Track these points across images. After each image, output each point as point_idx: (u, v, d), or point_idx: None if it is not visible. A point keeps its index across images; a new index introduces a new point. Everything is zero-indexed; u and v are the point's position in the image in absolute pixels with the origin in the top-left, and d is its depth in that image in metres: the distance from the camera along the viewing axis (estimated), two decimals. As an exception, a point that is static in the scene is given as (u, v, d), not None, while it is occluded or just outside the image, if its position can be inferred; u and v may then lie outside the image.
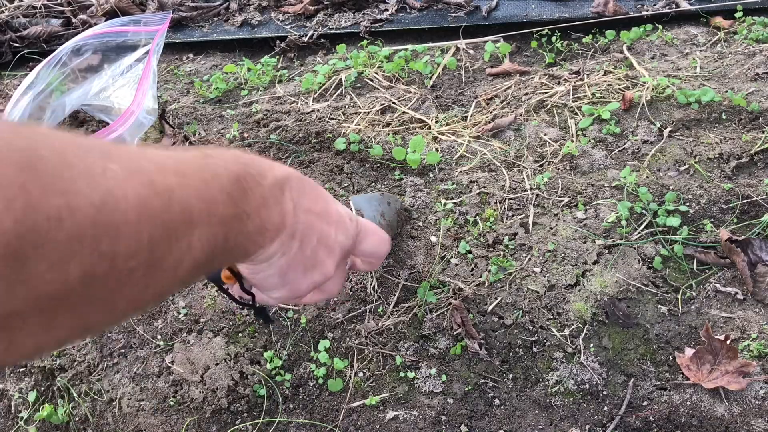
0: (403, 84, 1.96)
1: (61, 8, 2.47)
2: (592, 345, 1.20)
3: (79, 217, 0.32)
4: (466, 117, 1.81)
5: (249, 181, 0.49)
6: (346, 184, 1.59)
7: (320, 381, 1.19)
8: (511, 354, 1.20)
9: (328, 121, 1.80)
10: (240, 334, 1.28)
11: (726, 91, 1.75)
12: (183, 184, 0.41)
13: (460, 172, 1.60)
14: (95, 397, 1.22)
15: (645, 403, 1.13)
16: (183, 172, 0.42)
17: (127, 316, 0.40)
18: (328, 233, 0.61)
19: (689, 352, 1.17)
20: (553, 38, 2.11)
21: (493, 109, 1.82)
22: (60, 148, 0.34)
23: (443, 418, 1.12)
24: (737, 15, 2.14)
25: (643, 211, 1.42)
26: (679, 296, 1.28)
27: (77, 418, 1.19)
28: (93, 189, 0.34)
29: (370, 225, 0.71)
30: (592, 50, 2.10)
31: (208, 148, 0.49)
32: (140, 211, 0.36)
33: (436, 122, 1.78)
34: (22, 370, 1.29)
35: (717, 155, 1.57)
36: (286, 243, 0.56)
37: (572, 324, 1.23)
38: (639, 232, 1.38)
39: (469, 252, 1.38)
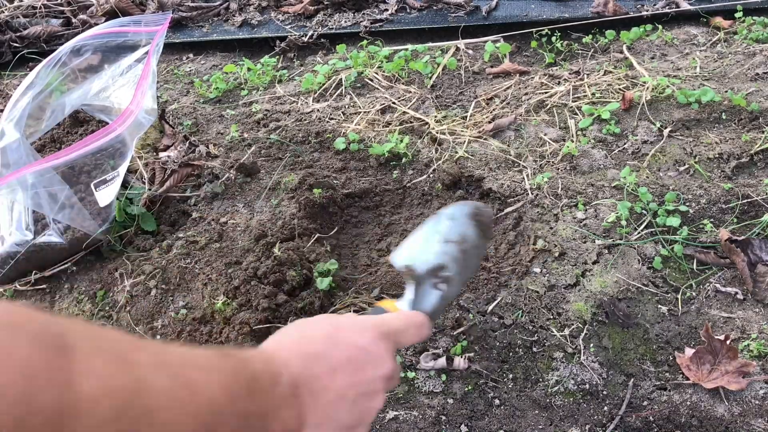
0: (403, 84, 1.96)
1: (61, 8, 2.47)
2: (592, 345, 1.20)
3: (115, 400, 0.36)
4: (466, 117, 1.81)
5: (263, 383, 0.52)
6: (346, 184, 1.59)
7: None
8: (511, 354, 1.20)
9: (328, 121, 1.80)
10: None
11: (726, 91, 1.75)
12: (206, 379, 0.45)
13: (460, 172, 1.60)
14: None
15: (645, 403, 1.13)
16: (205, 368, 0.45)
17: None
18: (359, 383, 0.60)
19: (689, 352, 1.17)
20: (553, 38, 2.10)
21: (493, 109, 1.82)
22: (91, 335, 0.39)
23: (443, 418, 1.12)
24: (737, 15, 2.14)
25: (643, 211, 1.42)
26: (679, 296, 1.28)
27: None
28: (126, 375, 0.37)
29: (399, 321, 0.68)
30: (592, 50, 2.10)
31: (226, 349, 0.51)
32: (170, 399, 0.40)
33: (436, 121, 1.78)
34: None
35: (717, 155, 1.57)
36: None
37: (572, 324, 1.23)
38: (639, 232, 1.38)
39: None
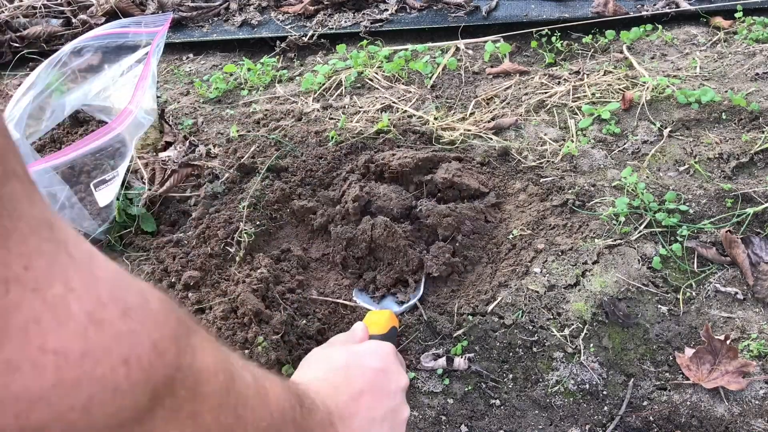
0: (403, 84, 1.96)
1: (61, 8, 2.47)
2: (592, 345, 1.20)
3: (225, 377, 0.42)
4: (466, 117, 1.81)
5: (308, 403, 0.56)
6: (346, 184, 1.59)
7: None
8: (511, 354, 1.20)
9: (328, 121, 1.80)
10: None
11: (726, 91, 1.75)
12: (274, 387, 0.51)
13: (460, 172, 1.60)
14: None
15: (645, 403, 1.13)
16: (270, 378, 0.51)
17: None
18: (384, 401, 0.67)
19: (689, 352, 1.17)
20: (553, 38, 2.10)
21: (493, 109, 1.82)
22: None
23: (443, 418, 1.12)
24: (737, 15, 2.14)
25: (643, 211, 1.42)
26: (679, 296, 1.28)
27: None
28: (227, 363, 0.44)
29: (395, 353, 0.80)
30: (592, 50, 2.10)
31: (264, 375, 0.54)
32: (254, 394, 0.46)
33: (435, 119, 1.78)
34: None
35: (717, 155, 1.57)
36: None
37: (572, 324, 1.23)
38: (639, 232, 1.38)
39: (469, 252, 1.38)
